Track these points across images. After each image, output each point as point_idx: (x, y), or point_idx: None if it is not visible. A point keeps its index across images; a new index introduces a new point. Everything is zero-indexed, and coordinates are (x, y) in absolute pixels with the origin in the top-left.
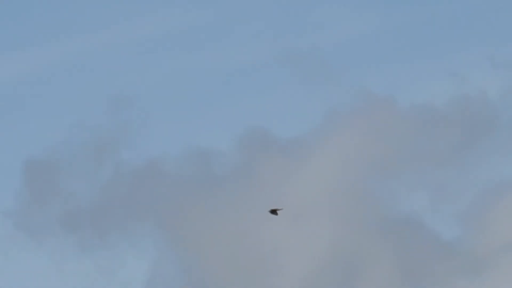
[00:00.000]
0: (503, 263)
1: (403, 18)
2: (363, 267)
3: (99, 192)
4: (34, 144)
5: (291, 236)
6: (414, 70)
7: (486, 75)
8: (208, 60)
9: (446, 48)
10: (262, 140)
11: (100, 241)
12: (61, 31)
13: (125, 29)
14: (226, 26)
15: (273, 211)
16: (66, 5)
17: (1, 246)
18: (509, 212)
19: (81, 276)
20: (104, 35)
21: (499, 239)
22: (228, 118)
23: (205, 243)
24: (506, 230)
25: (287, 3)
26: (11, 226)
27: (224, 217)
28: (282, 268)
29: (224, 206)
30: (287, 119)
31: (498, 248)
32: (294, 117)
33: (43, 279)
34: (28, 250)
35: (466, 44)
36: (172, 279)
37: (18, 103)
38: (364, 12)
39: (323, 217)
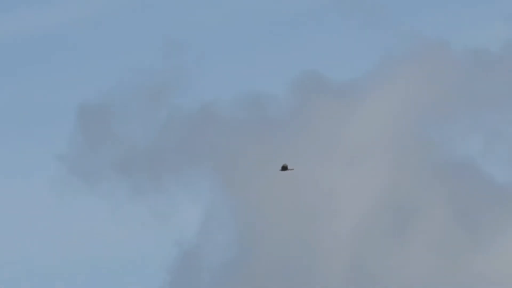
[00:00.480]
0: None
1: None
2: (418, 211)
3: (154, 136)
4: (89, 89)
5: (346, 180)
6: (469, 14)
7: None
8: (263, 4)
9: None
10: (316, 84)
11: (154, 185)
12: None
13: None
14: None
15: (284, 168)
16: None
17: (55, 191)
18: None
19: (134, 220)
20: None
21: None
22: (282, 62)
23: (259, 187)
24: None
25: None
26: (66, 171)
27: (278, 161)
28: (337, 212)
29: (278, 150)
30: (341, 62)
31: None
32: (348, 60)
33: (97, 223)
34: (82, 195)
35: None
36: (226, 223)
37: (73, 47)
38: None
39: (377, 161)
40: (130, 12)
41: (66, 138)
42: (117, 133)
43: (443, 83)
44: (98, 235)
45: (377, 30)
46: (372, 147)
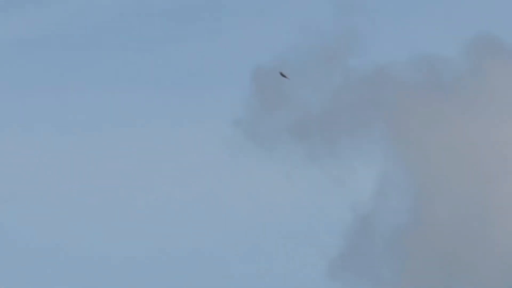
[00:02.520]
0: None
1: None
2: None
3: (328, 99)
4: (263, 52)
5: None
6: None
7: None
8: None
9: None
10: (491, 47)
11: (328, 149)
12: None
13: None
14: None
15: (283, 75)
16: None
17: (231, 155)
18: None
19: (309, 184)
20: None
21: None
22: (457, 24)
23: (434, 150)
24: None
25: None
26: (241, 135)
27: (452, 124)
28: None
29: (452, 113)
30: None
31: None
32: None
33: (273, 187)
34: (257, 159)
35: None
36: (401, 187)
37: (245, 10)
38: None
39: None
40: None
41: (241, 103)
42: (292, 96)
43: None
44: (274, 200)
45: None
46: None
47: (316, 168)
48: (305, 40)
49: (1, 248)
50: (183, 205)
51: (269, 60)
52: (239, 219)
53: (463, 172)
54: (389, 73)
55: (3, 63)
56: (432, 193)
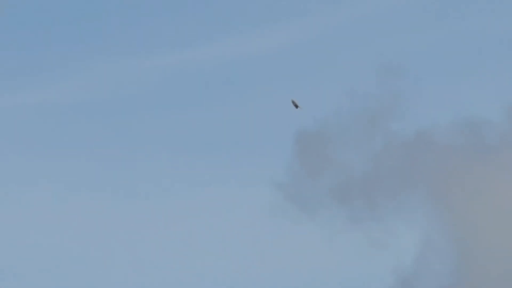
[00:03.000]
0: None
1: None
2: None
3: (370, 162)
4: (305, 115)
5: None
6: None
7: None
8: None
9: None
10: None
11: (370, 212)
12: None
13: None
14: None
15: (295, 104)
16: None
17: (273, 219)
18: None
19: (351, 247)
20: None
21: None
22: (499, 87)
23: (476, 213)
24: None
25: None
26: (284, 198)
27: (494, 187)
28: None
29: (495, 176)
30: None
31: None
32: None
33: (315, 250)
34: (299, 222)
35: None
36: (443, 251)
37: (289, 74)
38: None
39: None
40: (345, 38)
41: (283, 166)
42: (334, 159)
43: None
44: (316, 262)
45: None
46: None
47: (358, 231)
48: (347, 103)
49: None
50: (226, 268)
51: (312, 123)
52: (281, 282)
53: (505, 236)
54: (431, 136)
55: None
56: (474, 257)
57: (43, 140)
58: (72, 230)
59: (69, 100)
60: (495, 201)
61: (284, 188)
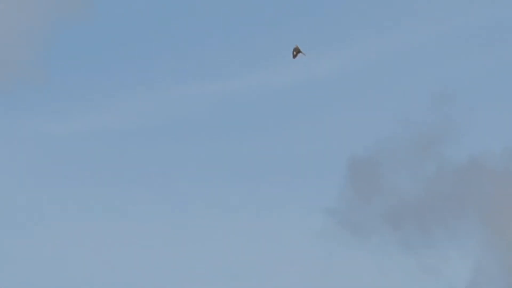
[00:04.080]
0: None
1: None
2: None
3: (422, 188)
4: (358, 141)
5: None
6: None
7: None
8: None
9: None
10: None
11: (423, 238)
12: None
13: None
14: None
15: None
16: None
17: (325, 244)
18: None
19: (404, 273)
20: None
21: None
22: None
23: None
24: None
25: None
26: (335, 224)
27: None
28: None
29: None
30: None
31: None
32: None
33: (367, 276)
34: (351, 247)
35: None
36: (495, 277)
37: (340, 99)
38: None
39: None
40: (398, 65)
41: (336, 192)
42: (387, 185)
43: None
44: (368, 287)
45: None
46: None
47: (410, 256)
48: (400, 128)
49: None
50: None
51: (364, 148)
52: None
53: None
54: (484, 163)
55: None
56: None
57: (95, 166)
58: (135, 258)
59: (119, 126)
60: None
61: (336, 214)
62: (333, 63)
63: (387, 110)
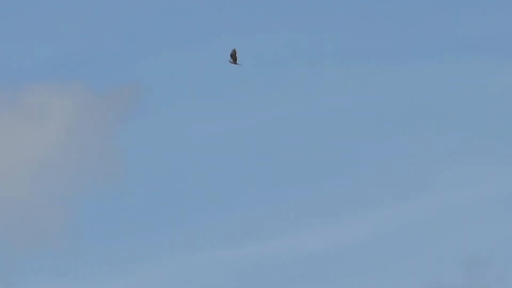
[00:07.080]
0: None
1: None
2: None
3: None
4: None
5: None
6: None
7: None
8: None
9: None
10: None
11: None
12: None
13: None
14: None
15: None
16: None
17: None
18: None
19: None
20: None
21: None
22: None
23: None
24: None
25: None
26: None
27: None
28: None
29: None
30: None
31: None
32: None
33: None
34: None
35: None
36: None
37: (369, 265)
38: None
39: None
40: (432, 226)
41: None
42: None
43: None
44: None
45: None
46: None
47: None
48: None
49: None
50: None
51: None
52: None
53: None
54: None
55: None
56: None
57: None
58: None
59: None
60: None
61: None
62: (364, 228)
63: (418, 276)
